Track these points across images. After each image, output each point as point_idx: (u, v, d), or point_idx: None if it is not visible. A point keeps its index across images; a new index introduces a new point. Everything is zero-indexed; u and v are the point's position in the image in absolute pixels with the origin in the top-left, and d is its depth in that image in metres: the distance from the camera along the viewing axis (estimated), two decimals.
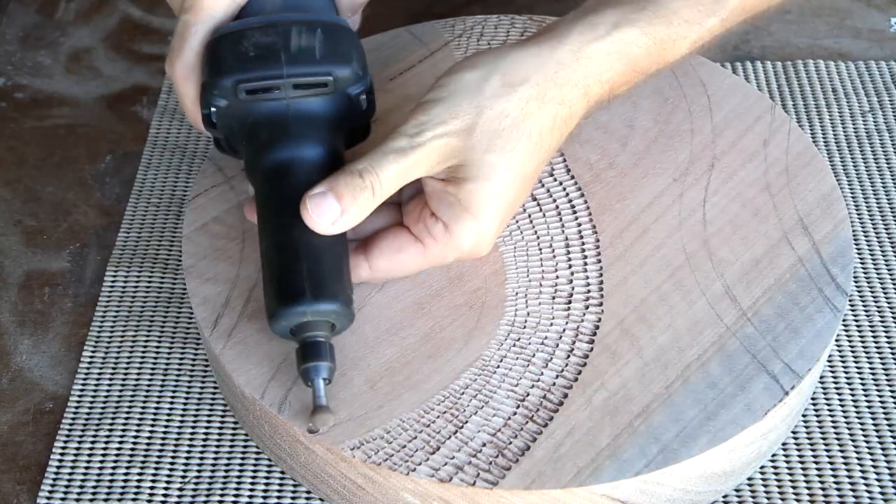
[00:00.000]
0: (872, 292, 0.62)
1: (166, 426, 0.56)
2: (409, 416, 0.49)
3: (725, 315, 0.53)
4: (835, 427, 0.56)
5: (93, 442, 0.55)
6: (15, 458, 0.55)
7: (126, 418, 0.56)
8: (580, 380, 0.51)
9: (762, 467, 0.54)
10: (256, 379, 0.51)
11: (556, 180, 0.60)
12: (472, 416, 0.49)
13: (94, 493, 0.53)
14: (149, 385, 0.58)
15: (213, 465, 0.54)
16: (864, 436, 0.55)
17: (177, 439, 0.55)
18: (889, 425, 0.56)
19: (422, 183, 0.51)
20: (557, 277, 0.55)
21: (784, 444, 0.55)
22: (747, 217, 0.57)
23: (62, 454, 0.55)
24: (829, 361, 0.58)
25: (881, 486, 0.53)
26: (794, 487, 0.53)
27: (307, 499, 0.53)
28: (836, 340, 0.59)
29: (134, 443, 0.55)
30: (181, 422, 0.56)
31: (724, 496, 0.53)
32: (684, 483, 0.49)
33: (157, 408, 0.57)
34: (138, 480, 0.54)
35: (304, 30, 0.50)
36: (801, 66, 0.75)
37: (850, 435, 0.55)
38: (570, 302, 0.54)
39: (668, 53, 0.53)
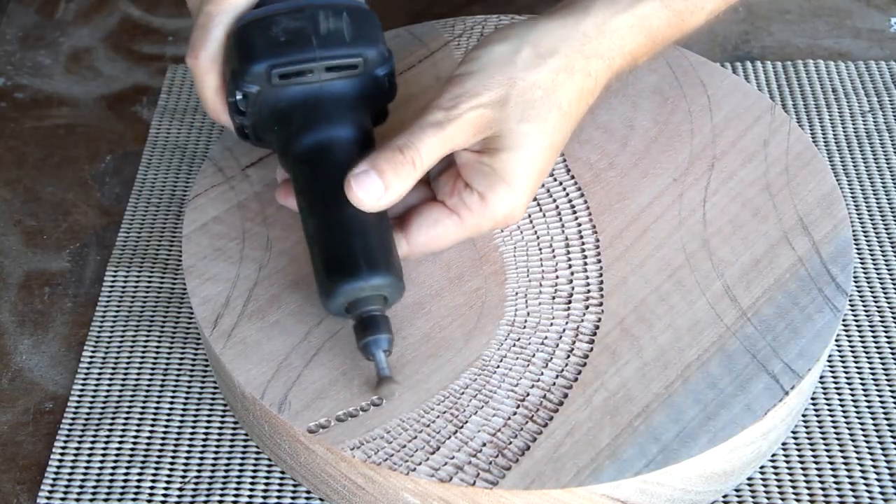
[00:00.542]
0: (872, 292, 0.62)
1: (166, 426, 0.56)
2: (409, 416, 0.49)
3: (725, 315, 0.53)
4: (835, 427, 0.56)
5: (93, 442, 0.55)
6: (15, 457, 0.55)
7: (126, 418, 0.56)
8: (580, 380, 0.51)
9: (762, 467, 0.54)
10: (256, 379, 0.51)
11: (556, 180, 0.60)
12: (472, 415, 0.49)
13: (94, 493, 0.53)
14: (149, 385, 0.58)
15: (213, 465, 0.54)
16: (864, 436, 0.55)
17: (177, 439, 0.55)
18: (889, 425, 0.56)
19: (454, 156, 0.52)
20: (557, 277, 0.55)
21: (784, 444, 0.55)
22: (747, 217, 0.57)
23: (62, 454, 0.55)
24: (829, 361, 0.58)
25: (881, 486, 0.53)
26: (794, 487, 0.53)
27: (307, 499, 0.53)
28: (836, 340, 0.59)
29: (134, 443, 0.55)
30: (181, 422, 0.56)
31: (724, 496, 0.53)
32: (684, 483, 0.49)
33: (157, 408, 0.57)
34: (138, 480, 0.54)
35: (330, 13, 0.51)
36: (801, 66, 0.75)
37: (850, 435, 0.55)
38: (570, 302, 0.54)
39: (686, 24, 0.55)
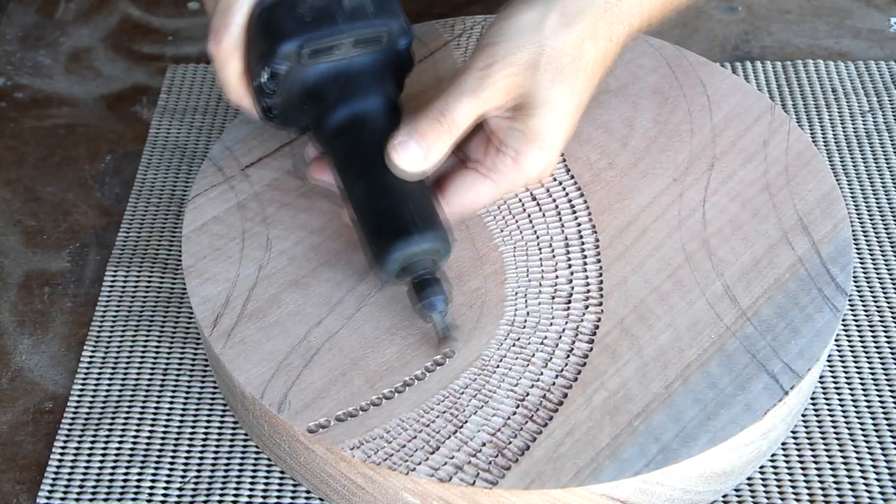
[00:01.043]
0: (872, 292, 0.62)
1: (166, 426, 0.56)
2: (409, 416, 0.49)
3: (725, 315, 0.53)
4: (834, 427, 0.56)
5: (93, 442, 0.55)
6: (15, 457, 0.55)
7: (126, 418, 0.56)
8: (580, 379, 0.51)
9: (762, 467, 0.54)
10: (256, 379, 0.51)
11: (555, 180, 0.60)
12: (471, 415, 0.49)
13: (93, 493, 0.53)
14: (149, 385, 0.58)
15: (213, 464, 0.54)
16: (864, 436, 0.55)
17: (177, 439, 0.55)
18: (889, 425, 0.56)
19: (484, 121, 0.53)
20: (557, 277, 0.55)
21: (784, 443, 0.55)
22: (747, 217, 0.57)
23: (62, 454, 0.55)
24: (828, 361, 0.58)
25: (881, 486, 0.53)
26: (793, 487, 0.53)
27: (307, 499, 0.53)
28: (836, 340, 0.59)
29: (134, 442, 0.55)
30: (181, 422, 0.56)
31: (724, 496, 0.53)
32: (684, 483, 0.49)
33: (156, 407, 0.57)
34: (138, 480, 0.54)
35: None
36: (801, 66, 0.75)
37: (850, 435, 0.55)
38: (569, 302, 0.54)
39: None
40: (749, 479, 0.53)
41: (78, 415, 0.57)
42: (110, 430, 0.56)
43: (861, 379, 0.58)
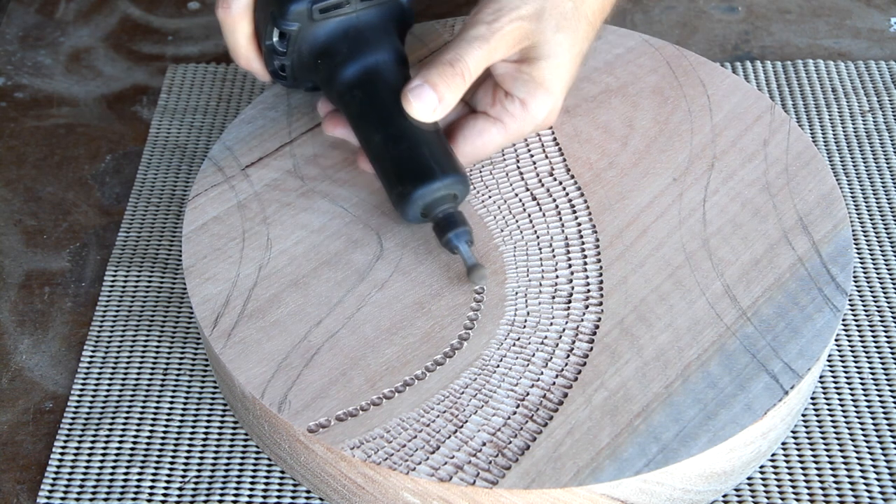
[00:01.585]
0: (872, 292, 0.62)
1: (166, 426, 0.56)
2: (409, 416, 0.49)
3: (725, 315, 0.53)
4: (835, 427, 0.56)
5: (93, 441, 0.55)
6: (15, 457, 0.55)
7: (126, 418, 0.56)
8: (580, 379, 0.51)
9: (762, 467, 0.54)
10: (256, 378, 0.51)
11: (556, 180, 0.60)
12: (471, 415, 0.49)
13: (94, 493, 0.53)
14: (149, 385, 0.58)
15: (213, 464, 0.54)
16: (864, 435, 0.55)
17: (177, 439, 0.55)
18: (889, 425, 0.56)
19: (491, 68, 0.56)
20: (557, 277, 0.55)
21: (784, 443, 0.55)
22: (747, 217, 0.57)
23: (62, 454, 0.55)
24: (828, 361, 0.58)
25: (881, 486, 0.53)
26: (793, 487, 0.53)
27: (307, 498, 0.53)
28: (836, 340, 0.59)
29: (134, 442, 0.55)
30: (181, 421, 0.56)
31: (724, 496, 0.53)
32: (684, 482, 0.49)
33: (157, 407, 0.57)
34: (138, 480, 0.54)
35: None
36: (801, 66, 0.75)
37: (850, 435, 0.55)
38: (569, 301, 0.54)
39: None
40: (749, 478, 0.53)
41: (78, 415, 0.57)
42: (110, 430, 0.56)
43: (861, 379, 0.58)
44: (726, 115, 0.63)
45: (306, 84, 0.59)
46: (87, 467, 0.54)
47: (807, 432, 0.55)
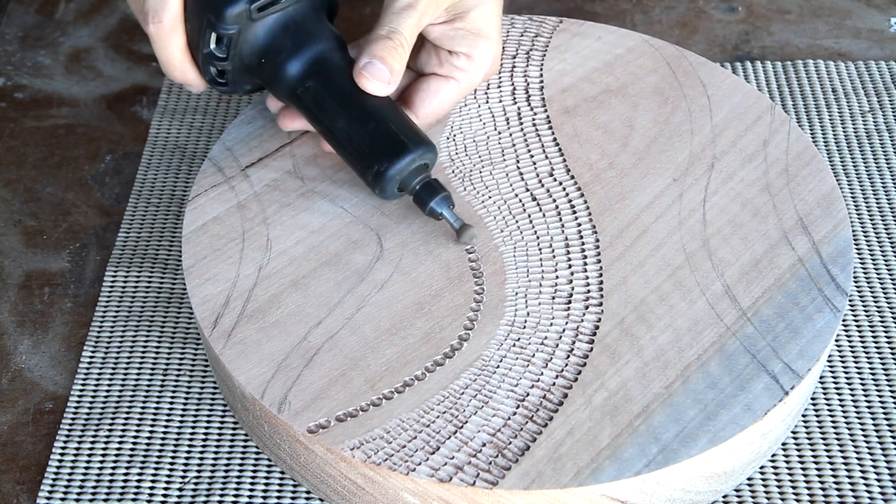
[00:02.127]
0: (872, 292, 0.62)
1: (166, 426, 0.56)
2: (409, 416, 0.49)
3: (725, 315, 0.53)
4: (835, 427, 0.56)
5: (93, 442, 0.55)
6: (15, 458, 0.55)
7: (126, 418, 0.56)
8: (580, 380, 0.51)
9: (762, 467, 0.54)
10: (256, 379, 0.51)
11: (555, 180, 0.60)
12: (471, 416, 0.49)
13: (93, 493, 0.53)
14: (149, 385, 0.58)
15: (213, 465, 0.54)
16: (864, 436, 0.55)
17: (177, 439, 0.55)
18: (889, 425, 0.56)
19: (425, 33, 0.58)
20: (557, 277, 0.55)
21: (784, 444, 0.55)
22: (747, 217, 0.57)
23: (62, 454, 0.55)
24: (829, 361, 0.58)
25: (881, 486, 0.53)
26: (793, 487, 0.53)
27: (307, 499, 0.53)
28: (836, 340, 0.59)
29: (134, 443, 0.55)
30: (181, 422, 0.56)
31: (724, 496, 0.53)
32: (684, 483, 0.49)
33: (157, 408, 0.57)
34: (138, 480, 0.54)
35: None
36: (801, 66, 0.75)
37: (850, 435, 0.55)
38: (569, 302, 0.54)
39: None
40: (749, 479, 0.53)
41: (78, 415, 0.57)
42: (110, 430, 0.56)
43: (861, 379, 0.58)
44: (726, 115, 0.63)
45: (244, 87, 0.58)
46: (86, 468, 0.54)
47: (807, 433, 0.55)
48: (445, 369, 0.51)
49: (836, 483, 0.53)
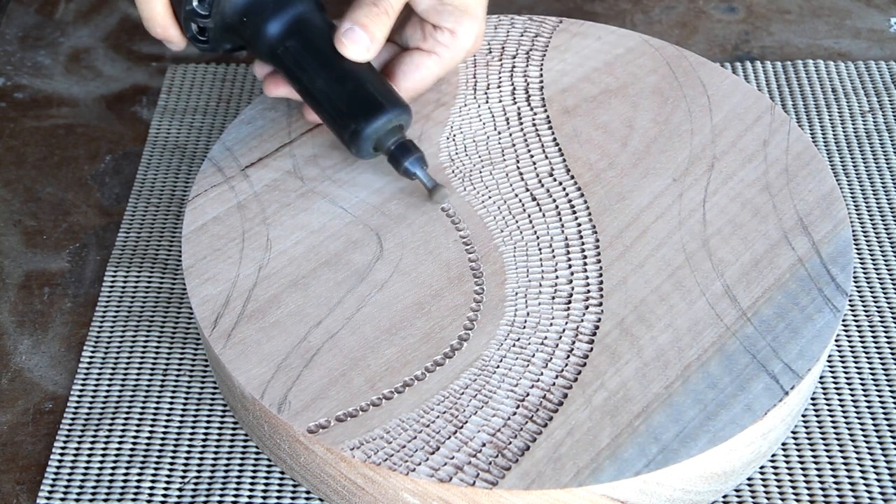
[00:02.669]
0: (872, 292, 0.62)
1: (166, 426, 0.56)
2: (409, 416, 0.49)
3: (725, 315, 0.53)
4: (835, 427, 0.56)
5: (92, 442, 0.55)
6: (15, 458, 0.55)
7: (126, 418, 0.56)
8: (580, 380, 0.51)
9: (762, 467, 0.54)
10: (256, 379, 0.51)
11: (555, 180, 0.60)
12: (471, 416, 0.49)
13: (93, 493, 0.53)
14: (149, 385, 0.58)
15: (213, 465, 0.54)
16: (864, 436, 0.55)
17: (176, 439, 0.55)
18: (889, 425, 0.56)
19: (413, 5, 0.59)
20: (557, 277, 0.55)
21: (784, 444, 0.55)
22: (747, 217, 0.57)
23: (62, 454, 0.55)
24: (829, 361, 0.58)
25: (881, 486, 0.53)
26: (793, 487, 0.53)
27: (307, 499, 0.53)
28: (836, 340, 0.59)
29: (134, 443, 0.55)
30: (181, 422, 0.56)
31: (724, 496, 0.53)
32: (684, 483, 0.49)
33: (156, 408, 0.57)
34: (138, 480, 0.54)
35: None
36: (801, 66, 0.75)
37: (850, 435, 0.55)
38: (569, 302, 0.54)
39: None
40: (749, 479, 0.53)
41: (78, 415, 0.57)
42: (110, 430, 0.56)
43: (861, 379, 0.58)
44: (726, 115, 0.63)
45: (224, 46, 0.59)
46: (86, 468, 0.54)
47: (807, 433, 0.55)
48: (445, 369, 0.51)
49: (836, 483, 0.53)
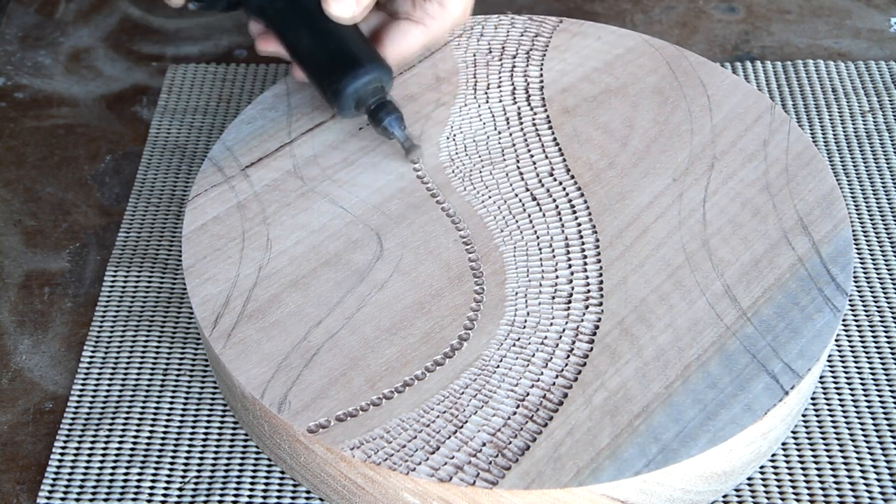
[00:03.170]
0: (872, 292, 0.62)
1: (166, 426, 0.56)
2: (409, 416, 0.49)
3: (725, 315, 0.53)
4: (835, 427, 0.56)
5: (93, 442, 0.55)
6: (15, 457, 0.55)
7: (126, 418, 0.56)
8: (580, 379, 0.51)
9: (762, 467, 0.54)
10: (256, 379, 0.51)
11: (556, 180, 0.60)
12: (471, 415, 0.49)
13: (93, 493, 0.53)
14: (149, 385, 0.58)
15: (213, 465, 0.54)
16: (864, 436, 0.55)
17: (177, 439, 0.55)
18: (889, 425, 0.56)
19: None
20: (557, 277, 0.55)
21: (784, 443, 0.55)
22: (747, 217, 0.57)
23: (62, 454, 0.55)
24: (829, 361, 0.58)
25: (881, 486, 0.53)
26: (793, 487, 0.53)
27: (307, 499, 0.53)
28: (836, 340, 0.59)
29: (134, 443, 0.55)
30: (181, 422, 0.56)
31: (724, 496, 0.53)
32: (684, 483, 0.49)
33: (156, 408, 0.57)
34: (138, 480, 0.54)
35: None
36: (801, 66, 0.75)
37: (850, 435, 0.55)
38: (569, 302, 0.54)
39: None
40: (749, 479, 0.53)
41: (78, 415, 0.57)
42: (110, 430, 0.56)
43: (861, 379, 0.58)
44: (726, 115, 0.63)
45: (220, 5, 0.61)
46: (86, 467, 0.54)
47: (807, 432, 0.55)
48: (445, 369, 0.51)
49: (836, 483, 0.53)
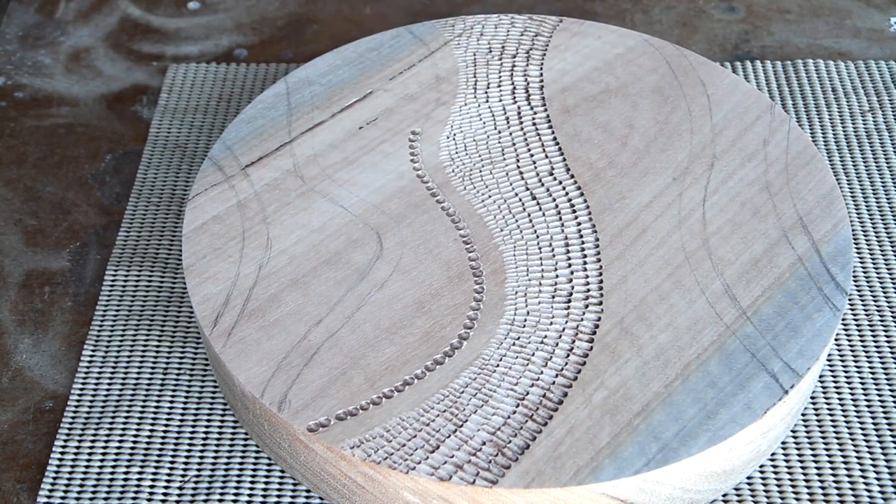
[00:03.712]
0: (872, 292, 0.62)
1: (166, 425, 0.56)
2: (409, 415, 0.49)
3: (725, 314, 0.53)
4: (834, 426, 0.56)
5: (93, 441, 0.55)
6: (15, 456, 0.55)
7: (126, 417, 0.56)
8: (580, 379, 0.51)
9: (762, 466, 0.54)
10: (256, 378, 0.51)
11: (556, 180, 0.60)
12: (471, 414, 0.49)
13: (94, 492, 0.53)
14: (149, 384, 0.58)
15: (213, 464, 0.54)
16: (864, 435, 0.55)
17: (177, 438, 0.55)
18: (889, 425, 0.56)
19: None
20: (557, 276, 0.55)
21: (784, 443, 0.55)
22: (747, 216, 0.57)
23: (62, 453, 0.55)
24: (828, 361, 0.58)
25: (881, 486, 0.53)
26: (793, 486, 0.53)
27: (307, 498, 0.53)
28: (836, 340, 0.59)
29: (134, 442, 0.55)
30: (181, 421, 0.56)
31: (724, 495, 0.53)
32: (684, 482, 0.49)
33: (157, 407, 0.57)
34: (138, 479, 0.54)
35: None
36: (801, 65, 0.75)
37: (850, 434, 0.55)
38: (569, 301, 0.54)
39: None
40: (749, 478, 0.53)
41: (78, 414, 0.57)
42: (110, 429, 0.56)
43: (861, 379, 0.58)
44: (726, 114, 0.63)
45: None
46: (87, 466, 0.54)
47: (806, 432, 0.55)
48: (445, 368, 0.51)
49: (835, 482, 0.53)
